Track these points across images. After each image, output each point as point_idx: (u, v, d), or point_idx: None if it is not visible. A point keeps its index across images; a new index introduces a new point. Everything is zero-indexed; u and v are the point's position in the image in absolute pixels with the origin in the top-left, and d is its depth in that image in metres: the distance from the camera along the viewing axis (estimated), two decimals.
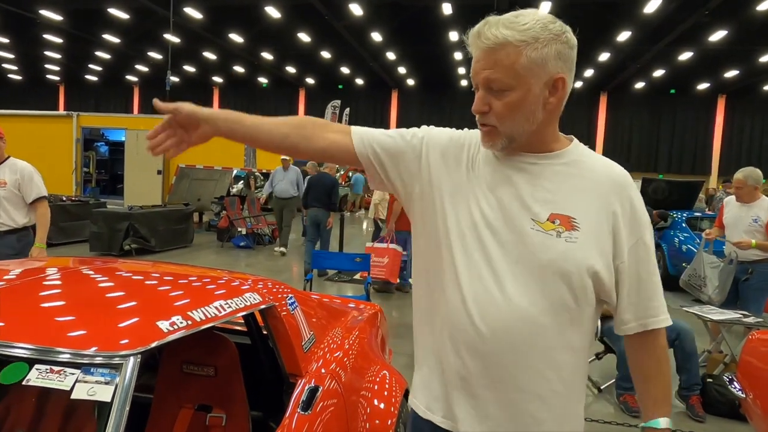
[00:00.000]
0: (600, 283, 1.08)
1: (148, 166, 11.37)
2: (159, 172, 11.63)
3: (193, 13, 19.03)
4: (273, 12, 18.74)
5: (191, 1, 18.07)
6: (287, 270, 8.59)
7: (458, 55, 22.51)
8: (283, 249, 9.65)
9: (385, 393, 2.20)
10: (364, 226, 15.21)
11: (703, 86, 26.36)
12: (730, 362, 4.12)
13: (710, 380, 3.84)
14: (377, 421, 2.07)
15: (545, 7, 16.40)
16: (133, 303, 1.56)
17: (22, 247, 3.85)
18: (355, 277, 7.66)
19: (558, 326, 1.06)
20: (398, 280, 6.73)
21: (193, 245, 10.48)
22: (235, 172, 14.50)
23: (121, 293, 1.66)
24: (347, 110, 22.48)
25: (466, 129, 1.23)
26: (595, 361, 4.29)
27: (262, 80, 31.02)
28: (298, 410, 1.74)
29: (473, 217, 1.10)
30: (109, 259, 2.32)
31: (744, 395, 2.67)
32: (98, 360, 1.20)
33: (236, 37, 22.13)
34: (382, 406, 2.13)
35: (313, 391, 1.83)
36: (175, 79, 24.80)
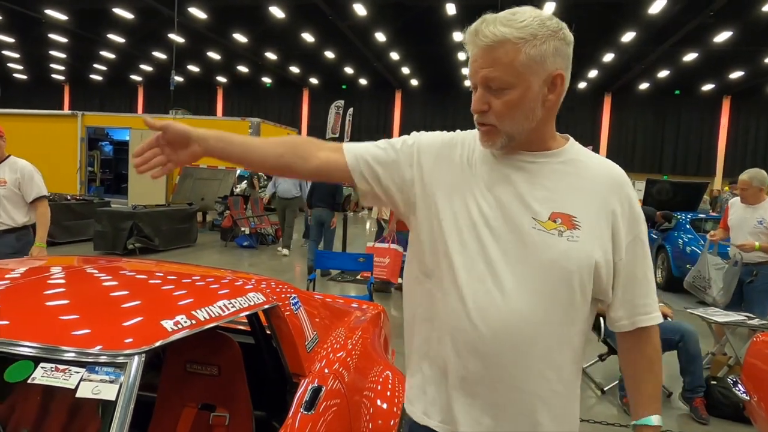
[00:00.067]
0: (599, 281, 1.08)
1: None
2: None
3: (198, 13, 19.08)
4: (277, 12, 18.77)
5: (196, 1, 18.12)
6: (290, 270, 8.59)
7: (462, 56, 22.47)
8: (285, 251, 9.67)
9: (388, 393, 2.20)
10: (367, 226, 15.22)
11: (708, 87, 26.27)
12: (735, 364, 4.10)
13: (714, 382, 3.82)
14: (380, 422, 2.07)
15: (549, 8, 16.37)
16: (138, 302, 1.57)
17: (21, 246, 3.84)
18: (357, 277, 7.67)
19: (558, 326, 1.06)
20: (399, 280, 6.74)
21: (197, 245, 10.50)
22: (238, 171, 14.53)
23: (126, 292, 1.66)
24: (351, 110, 22.46)
25: (458, 130, 1.22)
26: (599, 362, 4.28)
27: (266, 80, 31.07)
28: (301, 410, 1.74)
29: (472, 218, 1.09)
30: (113, 258, 2.32)
31: (748, 398, 2.66)
32: (103, 359, 1.21)
33: (240, 37, 22.17)
34: (384, 406, 2.13)
35: (316, 391, 1.83)
36: (179, 78, 24.90)
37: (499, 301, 1.05)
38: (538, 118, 1.07)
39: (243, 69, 28.35)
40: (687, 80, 25.17)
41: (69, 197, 10.82)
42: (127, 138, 12.81)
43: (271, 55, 25.14)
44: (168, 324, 1.38)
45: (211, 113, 29.35)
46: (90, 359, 1.20)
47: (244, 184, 15.87)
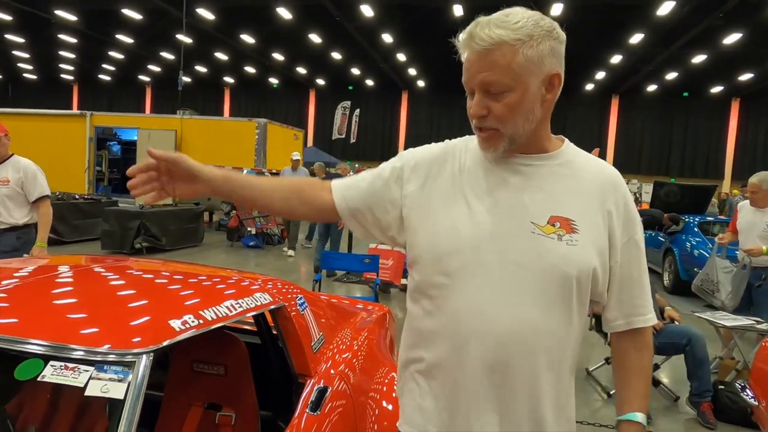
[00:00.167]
0: (596, 284, 1.09)
1: None
2: None
3: (206, 13, 19.18)
4: (284, 13, 18.84)
5: (204, 1, 18.22)
6: (296, 270, 8.62)
7: None
8: (291, 252, 9.69)
9: (394, 394, 2.20)
10: None
11: (716, 89, 26.10)
12: (743, 369, 4.07)
13: (722, 387, 3.79)
14: (385, 423, 2.07)
15: (557, 9, 16.33)
16: (145, 301, 1.58)
17: (21, 245, 3.83)
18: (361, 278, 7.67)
19: (558, 327, 1.07)
20: (402, 281, 6.74)
21: (203, 244, 10.55)
22: (245, 171, 14.58)
23: (133, 292, 1.68)
24: (357, 111, 22.52)
25: (446, 141, 1.22)
26: (605, 365, 4.26)
27: (273, 81, 31.18)
28: (307, 410, 1.75)
29: (469, 224, 1.08)
30: (120, 257, 2.34)
31: (756, 403, 2.64)
32: (111, 357, 1.22)
33: (248, 38, 22.27)
34: (390, 407, 2.13)
35: (322, 392, 1.84)
36: (187, 79, 25.06)
37: (501, 308, 1.04)
38: (537, 119, 1.07)
39: (250, 69, 28.46)
40: (695, 82, 25.03)
41: (77, 196, 10.90)
42: (135, 138, 12.88)
43: (278, 56, 25.23)
44: (176, 323, 1.38)
45: (219, 113, 29.49)
46: (99, 358, 1.21)
47: None
